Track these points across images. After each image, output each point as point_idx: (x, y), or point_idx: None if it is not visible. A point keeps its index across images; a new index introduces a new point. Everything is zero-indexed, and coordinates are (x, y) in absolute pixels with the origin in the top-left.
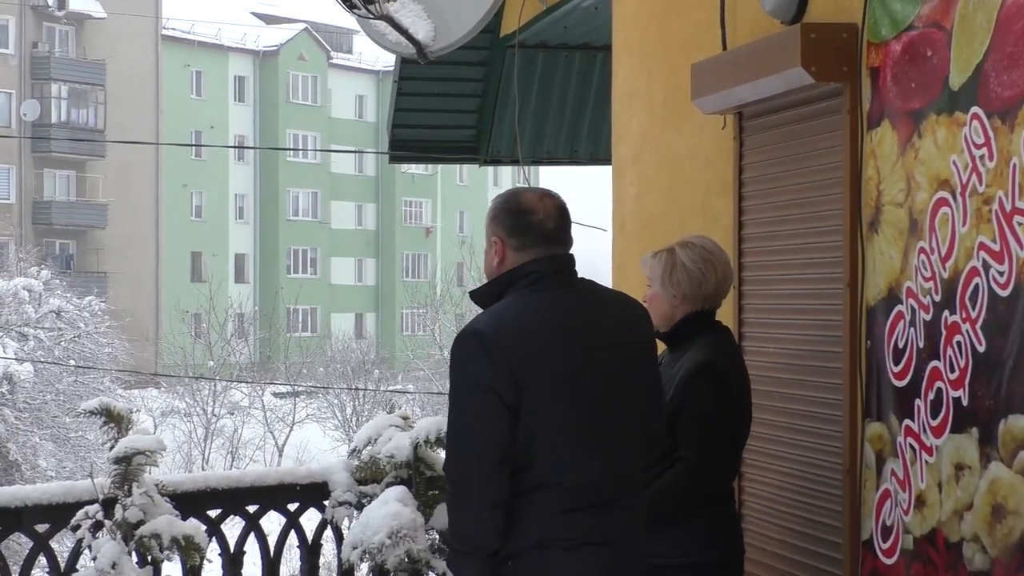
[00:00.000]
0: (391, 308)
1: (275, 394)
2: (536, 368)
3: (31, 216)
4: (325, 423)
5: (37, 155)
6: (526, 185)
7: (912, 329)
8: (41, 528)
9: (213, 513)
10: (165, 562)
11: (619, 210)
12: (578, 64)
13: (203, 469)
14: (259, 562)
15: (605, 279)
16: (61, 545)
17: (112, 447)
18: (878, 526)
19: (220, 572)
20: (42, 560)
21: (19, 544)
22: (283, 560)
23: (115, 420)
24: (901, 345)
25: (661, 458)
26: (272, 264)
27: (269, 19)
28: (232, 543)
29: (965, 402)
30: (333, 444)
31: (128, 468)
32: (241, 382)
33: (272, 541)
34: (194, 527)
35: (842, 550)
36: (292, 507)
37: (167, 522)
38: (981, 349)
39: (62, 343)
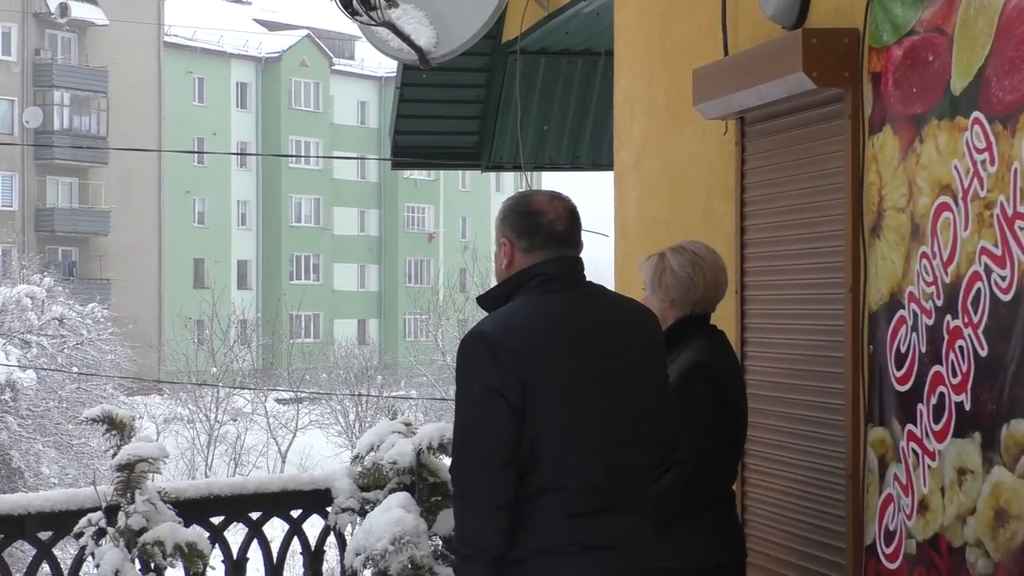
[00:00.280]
0: (394, 314)
1: (278, 400)
2: (542, 370)
3: (34, 223)
4: (328, 429)
5: (40, 162)
6: (530, 189)
7: (914, 334)
8: (44, 535)
9: (216, 520)
10: (168, 569)
11: (621, 215)
12: (580, 70)
13: (206, 476)
14: (262, 569)
15: (608, 284)
16: (64, 553)
17: (115, 454)
18: (881, 531)
19: None
20: (45, 568)
21: (22, 552)
22: (286, 567)
23: (118, 427)
24: (903, 350)
25: (661, 460)
26: (275, 270)
27: (271, 26)
28: (235, 550)
29: (967, 407)
30: (336, 450)
31: (131, 475)
32: (244, 388)
33: (275, 548)
34: (197, 534)
35: (845, 555)
36: (295, 514)
37: (170, 529)
38: (983, 354)
39: (65, 350)
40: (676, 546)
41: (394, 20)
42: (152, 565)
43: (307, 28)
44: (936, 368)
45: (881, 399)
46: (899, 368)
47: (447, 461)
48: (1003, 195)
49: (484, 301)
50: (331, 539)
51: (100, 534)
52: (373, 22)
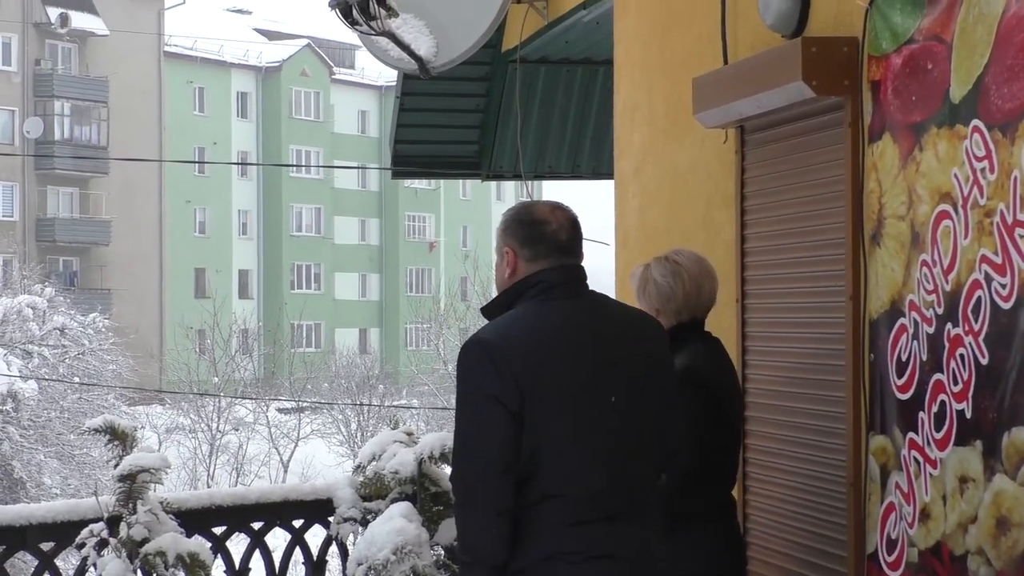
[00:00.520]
0: (395, 323)
1: (280, 410)
2: (541, 377)
3: (34, 233)
4: (330, 439)
5: (40, 172)
6: (530, 199)
7: (915, 342)
8: (46, 546)
9: (218, 530)
10: None
11: (621, 224)
12: (580, 79)
13: (208, 486)
14: None
15: (608, 293)
16: (66, 563)
17: (117, 465)
18: (883, 539)
19: None
20: None
21: (24, 563)
22: None
23: (119, 437)
24: (904, 358)
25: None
26: (276, 280)
27: (271, 35)
28: (237, 560)
29: (968, 415)
30: (338, 460)
31: (133, 485)
32: (246, 398)
33: (277, 558)
34: (199, 544)
35: (847, 564)
36: (297, 523)
37: (172, 539)
38: (984, 362)
39: (66, 360)
40: (676, 553)
41: (394, 30)
42: (154, 575)
43: (307, 37)
44: (937, 376)
45: (882, 407)
46: (900, 376)
47: (449, 470)
48: (1003, 203)
49: (487, 311)
50: (333, 549)
51: (102, 545)
52: (373, 32)
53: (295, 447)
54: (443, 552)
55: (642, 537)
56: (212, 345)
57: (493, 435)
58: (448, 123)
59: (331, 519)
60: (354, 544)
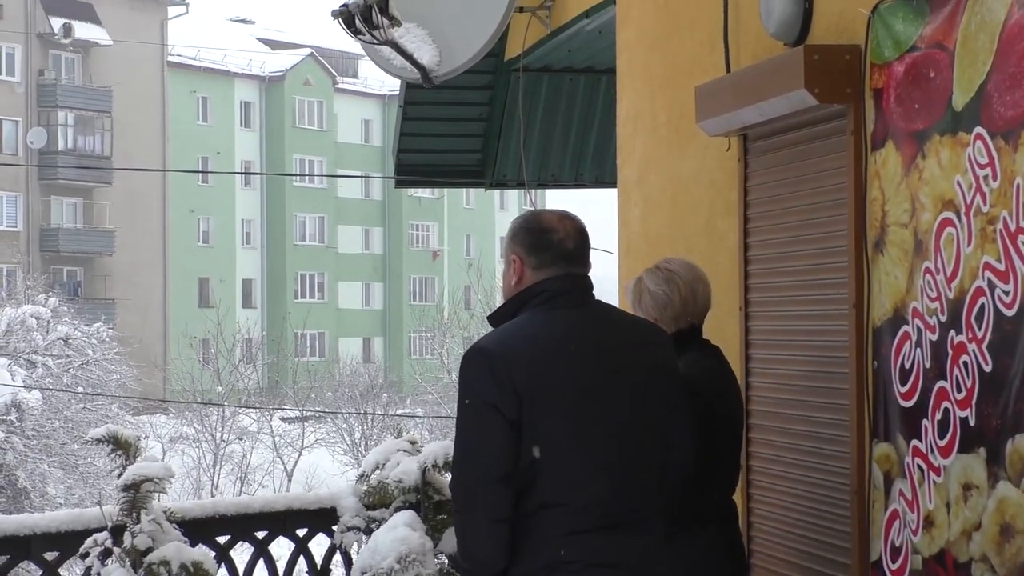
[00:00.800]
0: (399, 332)
1: (284, 419)
2: (543, 386)
3: (38, 243)
4: (334, 448)
5: (44, 182)
6: (533, 208)
7: (918, 349)
8: (50, 556)
9: (222, 539)
10: None
11: (624, 232)
12: (582, 87)
13: (212, 495)
14: None
15: (612, 302)
16: (70, 573)
17: (120, 474)
18: (887, 547)
19: None
20: None
21: (28, 572)
22: None
23: (123, 447)
24: (908, 365)
25: (674, 479)
26: (279, 289)
27: (275, 45)
28: (241, 569)
29: (972, 422)
30: (342, 469)
31: (136, 495)
32: (249, 407)
33: (281, 567)
34: (203, 553)
35: (851, 571)
36: (301, 532)
37: (176, 549)
38: (988, 369)
39: (70, 370)
40: (676, 560)
41: (397, 39)
42: None
43: (310, 47)
44: (940, 383)
45: (886, 415)
46: (903, 384)
47: None
48: (1006, 210)
49: (493, 319)
50: (337, 558)
51: (106, 554)
52: (376, 41)
53: (299, 456)
54: (447, 560)
55: (644, 545)
56: (216, 354)
57: (491, 443)
58: (451, 132)
59: (335, 528)
60: (358, 553)
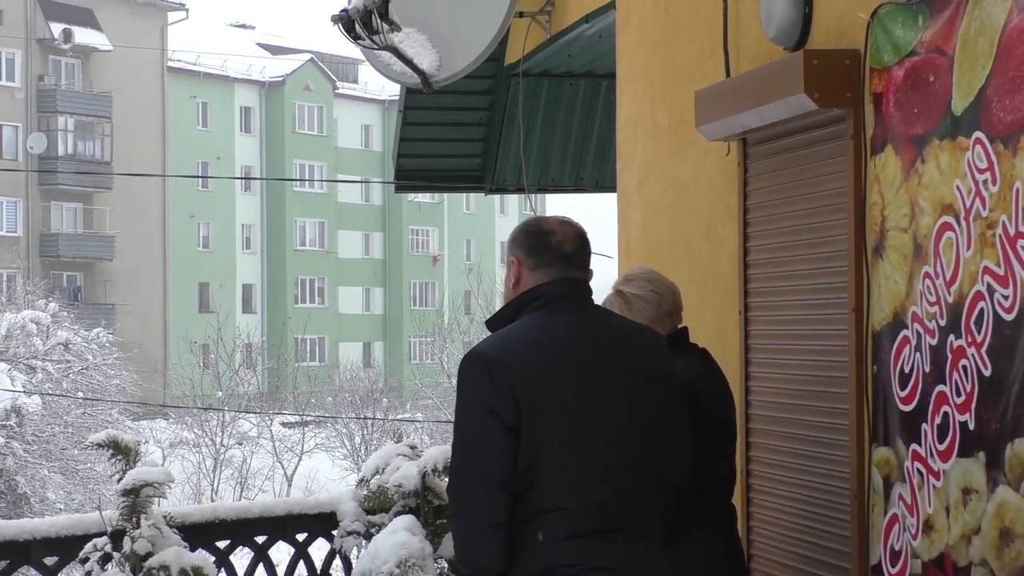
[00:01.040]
0: (399, 337)
1: (284, 424)
2: (541, 390)
3: (38, 249)
4: (334, 452)
5: (44, 188)
6: (533, 213)
7: (918, 354)
8: (50, 561)
9: (222, 544)
10: None
11: (624, 236)
12: (582, 92)
13: (212, 500)
14: None
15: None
16: None
17: (120, 479)
18: (886, 551)
19: None
20: None
21: None
22: None
23: (123, 452)
24: (907, 370)
25: (674, 484)
26: (280, 294)
27: (275, 50)
28: (241, 574)
29: (971, 426)
30: (342, 473)
31: (136, 500)
32: (249, 412)
33: (281, 572)
34: (203, 558)
35: (851, 575)
36: (301, 537)
37: (176, 554)
38: (987, 373)
39: (70, 375)
40: (677, 562)
41: (397, 44)
42: None
43: (310, 52)
44: (940, 388)
45: (885, 419)
46: (903, 388)
47: None
48: (1005, 215)
49: (491, 324)
50: (337, 562)
51: (106, 559)
52: (376, 46)
53: (299, 461)
54: (446, 565)
55: (643, 548)
56: (216, 359)
57: (489, 447)
58: (451, 137)
59: (335, 532)
60: (358, 557)
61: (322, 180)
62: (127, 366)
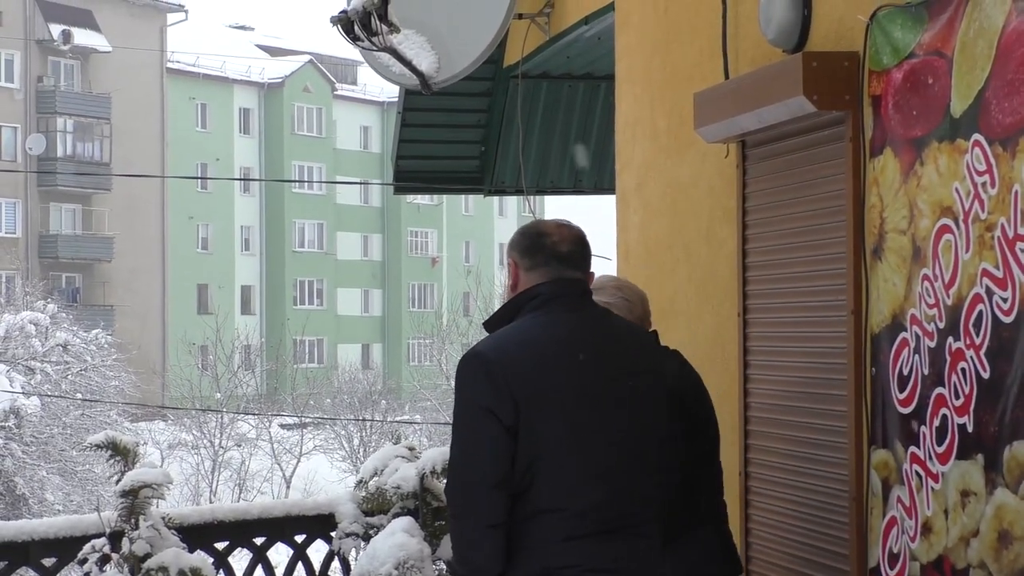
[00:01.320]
0: (397, 338)
1: (282, 425)
2: (538, 390)
3: (37, 250)
4: (332, 454)
5: (43, 189)
6: (532, 215)
7: (917, 356)
8: (48, 562)
9: (220, 545)
10: None
11: (623, 238)
12: (581, 94)
13: (211, 501)
14: None
15: None
16: None
17: (119, 480)
18: (885, 553)
19: None
20: None
21: None
22: None
23: (121, 453)
24: (906, 372)
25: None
26: (278, 295)
27: (274, 51)
28: (240, 575)
29: (970, 428)
30: (340, 475)
31: (135, 501)
32: (248, 414)
33: (280, 573)
34: (201, 560)
35: None
36: (299, 539)
37: (174, 555)
38: (985, 376)
39: (69, 376)
40: (677, 562)
41: (396, 45)
42: None
43: (309, 54)
44: (939, 390)
45: (884, 421)
46: (902, 390)
47: None
48: (1004, 217)
49: (489, 324)
50: (335, 564)
51: (104, 560)
52: (375, 48)
53: (297, 463)
54: (445, 567)
55: (643, 549)
56: (215, 361)
57: (487, 447)
58: (450, 139)
59: (333, 534)
60: (356, 559)
61: (321, 181)
62: (126, 367)
